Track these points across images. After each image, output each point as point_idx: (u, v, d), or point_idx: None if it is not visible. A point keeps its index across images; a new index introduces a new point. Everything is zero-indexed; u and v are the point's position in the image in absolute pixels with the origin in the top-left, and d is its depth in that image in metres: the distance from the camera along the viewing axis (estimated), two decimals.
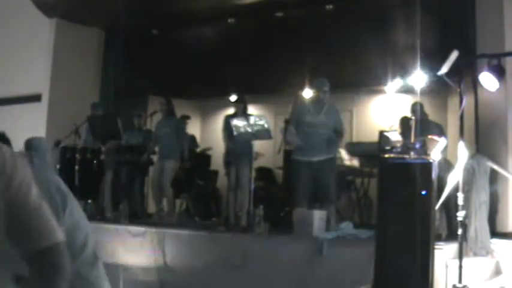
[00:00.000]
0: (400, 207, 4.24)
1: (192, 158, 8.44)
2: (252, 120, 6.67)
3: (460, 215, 4.47)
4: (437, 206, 4.38)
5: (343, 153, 8.31)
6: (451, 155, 5.92)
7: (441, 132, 6.52)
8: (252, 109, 9.39)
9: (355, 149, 7.43)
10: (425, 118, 6.97)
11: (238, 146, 7.02)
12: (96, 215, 7.24)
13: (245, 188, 6.91)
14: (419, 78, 6.45)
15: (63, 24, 8.90)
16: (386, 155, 4.51)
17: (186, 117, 9.34)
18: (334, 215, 6.42)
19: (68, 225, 1.81)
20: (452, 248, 4.85)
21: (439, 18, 7.21)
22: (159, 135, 7.62)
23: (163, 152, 7.53)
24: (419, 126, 6.58)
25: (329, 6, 7.95)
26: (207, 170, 9.13)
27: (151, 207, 8.11)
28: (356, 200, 7.53)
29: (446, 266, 4.65)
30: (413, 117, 6.99)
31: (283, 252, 5.42)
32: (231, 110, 8.34)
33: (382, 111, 9.36)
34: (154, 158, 7.95)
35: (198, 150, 9.38)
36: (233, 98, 9.60)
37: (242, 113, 7.24)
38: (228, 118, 7.34)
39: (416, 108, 7.00)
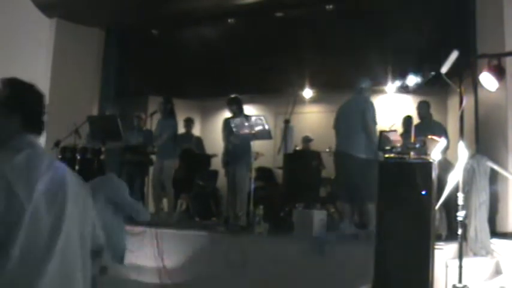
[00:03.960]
0: (400, 207, 4.24)
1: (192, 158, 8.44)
2: (252, 120, 6.67)
3: (460, 215, 4.47)
4: (437, 206, 4.37)
5: None
6: (451, 155, 5.92)
7: (444, 132, 6.52)
8: (252, 109, 9.40)
9: None
10: (430, 118, 6.98)
11: (236, 146, 7.01)
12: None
13: (243, 188, 6.91)
14: (419, 78, 6.45)
15: (63, 24, 8.89)
16: (387, 155, 4.51)
17: (190, 121, 9.35)
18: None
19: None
20: (452, 248, 4.85)
21: (439, 18, 7.22)
22: (158, 134, 7.61)
23: (162, 152, 7.53)
24: (423, 126, 6.60)
25: (329, 6, 7.95)
26: (207, 170, 9.13)
27: (151, 207, 8.11)
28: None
29: (446, 266, 4.65)
30: (418, 117, 7.03)
31: (283, 252, 5.42)
32: None
33: (382, 111, 9.36)
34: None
35: (204, 153, 9.38)
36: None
37: (239, 114, 7.20)
38: (228, 120, 7.33)
39: (422, 107, 7.01)
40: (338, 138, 6.44)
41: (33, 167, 1.68)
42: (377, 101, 9.77)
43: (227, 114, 8.14)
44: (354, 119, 6.23)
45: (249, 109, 8.07)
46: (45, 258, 1.63)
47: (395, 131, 5.79)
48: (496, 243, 5.34)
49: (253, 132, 6.61)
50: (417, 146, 4.41)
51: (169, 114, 7.65)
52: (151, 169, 8.03)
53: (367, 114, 6.17)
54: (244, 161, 6.95)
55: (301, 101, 9.48)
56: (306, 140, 9.18)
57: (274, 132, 7.01)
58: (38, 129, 1.80)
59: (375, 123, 6.15)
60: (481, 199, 5.31)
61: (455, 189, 4.59)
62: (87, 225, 1.86)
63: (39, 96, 1.84)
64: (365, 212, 6.05)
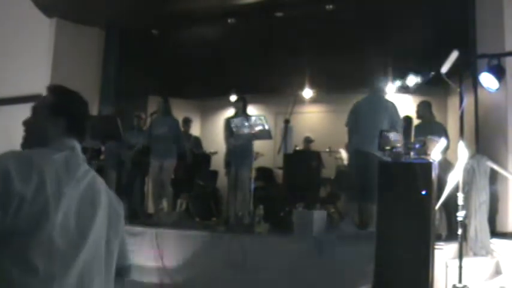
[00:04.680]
0: (400, 207, 4.24)
1: (192, 158, 8.42)
2: (252, 120, 6.67)
3: (460, 215, 4.47)
4: (437, 206, 4.37)
5: (343, 153, 8.32)
6: (451, 155, 5.92)
7: (445, 133, 6.52)
8: (252, 109, 9.39)
9: None
10: (431, 118, 6.98)
11: (239, 146, 7.00)
12: None
13: (245, 188, 6.91)
14: (419, 78, 6.45)
15: (63, 24, 8.90)
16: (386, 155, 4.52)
17: (188, 121, 9.35)
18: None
19: None
20: (452, 248, 4.85)
21: (439, 18, 7.22)
22: (156, 134, 7.56)
23: (161, 152, 7.48)
24: (423, 126, 6.61)
25: (329, 6, 7.95)
26: (207, 170, 9.13)
27: (151, 207, 8.11)
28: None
29: (446, 266, 4.65)
30: (416, 116, 7.03)
31: (283, 252, 5.42)
32: (230, 110, 8.34)
33: None
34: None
35: (204, 152, 9.36)
36: (233, 97, 9.60)
37: (242, 113, 7.21)
38: (229, 120, 7.32)
39: (422, 107, 7.01)
40: (357, 136, 6.29)
41: (68, 168, 1.72)
42: None
43: (227, 114, 8.15)
44: (380, 118, 6.09)
45: (249, 109, 8.06)
46: (68, 266, 1.63)
47: (395, 131, 5.79)
48: (496, 243, 5.34)
49: (253, 132, 6.61)
50: (417, 146, 4.41)
51: (168, 114, 7.62)
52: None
53: (396, 116, 6.15)
54: (248, 161, 6.93)
55: (301, 101, 9.48)
56: (307, 140, 9.18)
57: (274, 132, 7.01)
58: (80, 134, 1.89)
59: (401, 125, 6.15)
60: (481, 199, 5.31)
61: (455, 189, 4.59)
62: (115, 241, 1.86)
63: (83, 104, 1.93)
64: (370, 212, 6.02)
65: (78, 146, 1.85)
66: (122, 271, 1.93)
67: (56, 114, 1.83)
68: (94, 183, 1.81)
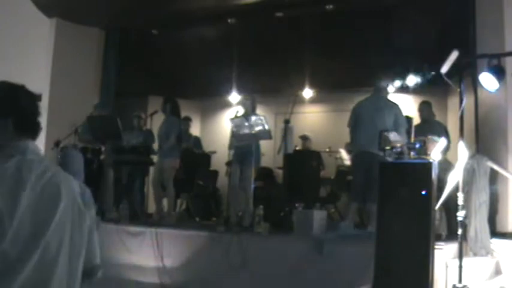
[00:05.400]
0: (400, 207, 4.24)
1: (192, 158, 8.42)
2: (252, 120, 6.66)
3: (460, 215, 4.47)
4: (437, 206, 4.37)
5: (343, 153, 8.32)
6: (451, 155, 5.91)
7: (445, 133, 6.52)
8: None
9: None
10: (432, 118, 6.97)
11: (243, 145, 6.98)
12: (97, 215, 7.22)
13: (248, 187, 6.89)
14: (419, 78, 6.45)
15: (63, 24, 8.90)
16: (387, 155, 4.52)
17: (188, 119, 9.35)
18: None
19: None
20: (452, 248, 4.85)
21: (439, 18, 7.22)
22: (160, 134, 7.60)
23: (163, 152, 7.52)
24: (424, 126, 6.61)
25: (329, 6, 7.96)
26: (207, 170, 9.12)
27: (151, 207, 8.11)
28: None
29: (446, 266, 4.65)
30: (419, 117, 7.04)
31: (283, 252, 5.42)
32: (230, 110, 8.32)
33: None
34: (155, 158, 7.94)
35: (204, 152, 9.36)
36: (233, 97, 9.60)
37: (251, 111, 7.10)
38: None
39: (423, 107, 7.01)
40: (360, 137, 6.25)
41: (21, 174, 1.59)
42: None
43: (227, 114, 8.14)
44: (385, 119, 6.05)
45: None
46: (17, 272, 1.53)
47: (400, 131, 5.79)
48: (496, 243, 5.34)
49: (253, 132, 6.60)
50: (417, 146, 4.42)
51: (171, 114, 7.62)
52: (151, 169, 8.02)
53: (400, 116, 6.14)
54: (255, 160, 6.90)
55: (301, 101, 9.47)
56: (304, 138, 9.16)
57: (274, 132, 7.00)
58: (33, 132, 1.71)
59: (405, 125, 6.14)
60: (481, 199, 5.30)
61: (455, 189, 4.59)
62: (80, 240, 1.75)
63: (31, 97, 1.73)
64: (370, 212, 6.02)
65: (31, 146, 1.69)
66: (89, 271, 1.82)
67: (2, 115, 1.65)
68: (52, 184, 1.66)
